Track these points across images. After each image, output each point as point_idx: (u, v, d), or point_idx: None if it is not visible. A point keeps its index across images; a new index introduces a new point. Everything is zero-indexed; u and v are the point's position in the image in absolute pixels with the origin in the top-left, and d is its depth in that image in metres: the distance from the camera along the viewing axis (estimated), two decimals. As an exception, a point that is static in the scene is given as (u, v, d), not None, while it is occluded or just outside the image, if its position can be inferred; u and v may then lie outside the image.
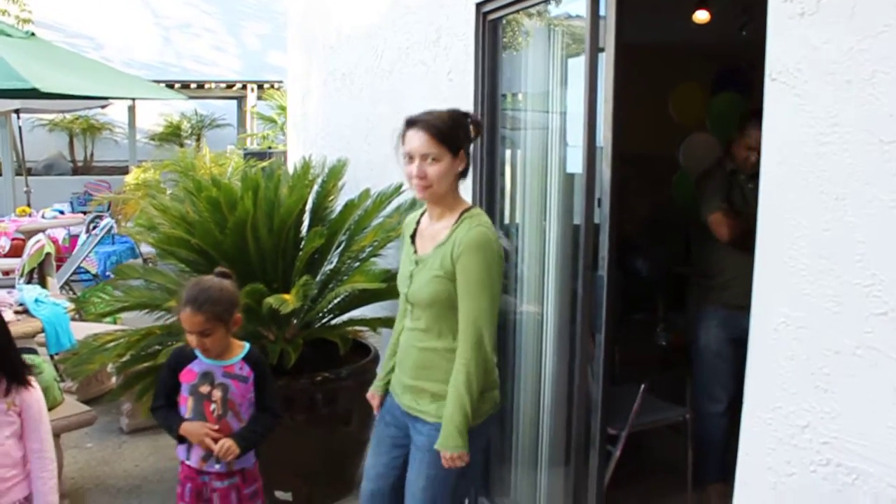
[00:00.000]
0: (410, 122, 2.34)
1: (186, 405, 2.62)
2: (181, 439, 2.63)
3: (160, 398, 2.70)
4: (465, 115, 2.41)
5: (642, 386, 3.52)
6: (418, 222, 2.54)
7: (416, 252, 2.47)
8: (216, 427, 2.58)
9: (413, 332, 2.46)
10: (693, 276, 3.94)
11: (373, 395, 2.71)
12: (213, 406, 2.59)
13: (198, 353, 2.63)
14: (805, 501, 1.89)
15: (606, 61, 2.55)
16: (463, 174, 2.40)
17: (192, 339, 2.57)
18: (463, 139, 2.35)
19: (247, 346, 2.71)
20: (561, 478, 3.19)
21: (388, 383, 2.65)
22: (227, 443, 2.56)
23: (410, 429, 2.49)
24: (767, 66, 1.89)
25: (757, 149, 3.52)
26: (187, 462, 2.67)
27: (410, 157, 2.33)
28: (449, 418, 2.30)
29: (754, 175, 3.55)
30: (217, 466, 2.61)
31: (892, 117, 1.61)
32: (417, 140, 2.31)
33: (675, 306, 4.69)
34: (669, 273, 5.55)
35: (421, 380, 2.42)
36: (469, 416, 2.29)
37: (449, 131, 2.31)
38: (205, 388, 2.60)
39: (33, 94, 4.76)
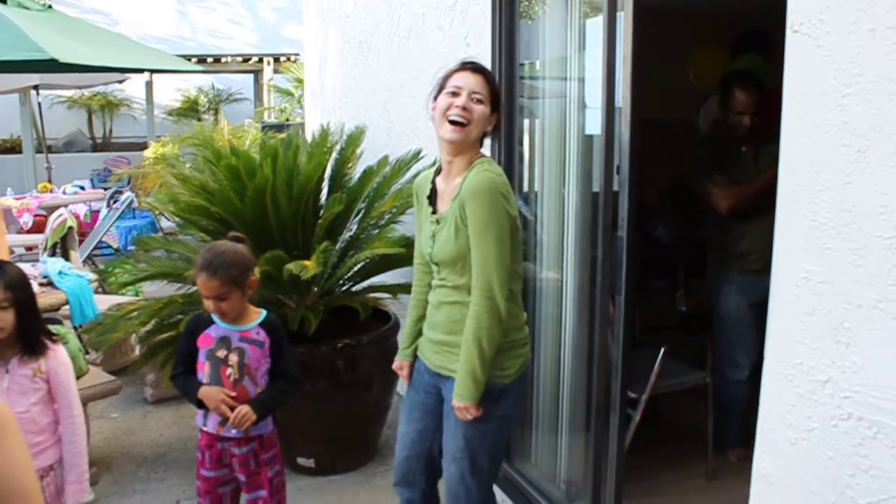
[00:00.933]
0: (468, 64, 2.39)
1: (204, 370, 2.64)
2: (199, 404, 2.65)
3: (179, 365, 2.72)
4: None
5: (662, 349, 3.52)
6: (433, 182, 2.51)
7: (434, 212, 2.47)
8: (233, 393, 2.60)
9: (441, 288, 2.45)
10: (711, 244, 3.91)
11: (400, 364, 2.70)
12: (229, 370, 2.61)
13: (215, 318, 2.65)
14: (825, 456, 1.89)
15: (625, 20, 2.52)
16: (490, 134, 2.46)
17: (209, 304, 2.59)
18: (499, 102, 2.42)
19: (264, 312, 2.72)
20: (581, 442, 3.21)
21: (413, 350, 2.64)
22: (243, 409, 2.58)
23: (442, 389, 2.49)
24: (789, 18, 1.87)
25: (747, 111, 3.50)
26: (205, 428, 2.69)
27: (455, 93, 2.33)
28: (459, 369, 2.32)
29: (748, 138, 3.52)
30: (234, 432, 2.63)
31: (916, 66, 1.58)
32: (473, 79, 2.34)
33: (695, 272, 4.67)
34: (690, 239, 5.53)
35: (452, 334, 2.40)
36: (481, 369, 2.28)
37: (495, 87, 2.40)
38: (221, 353, 2.62)
39: (52, 65, 4.77)
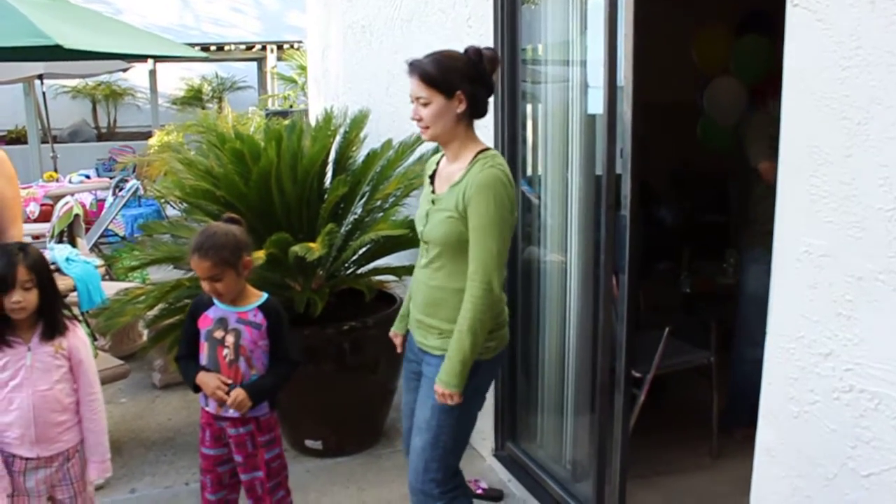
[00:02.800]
0: (408, 65, 2.41)
1: (203, 351, 2.67)
2: (196, 389, 2.67)
3: (183, 346, 2.75)
4: (471, 52, 2.40)
5: (666, 329, 3.53)
6: (438, 163, 2.58)
7: (433, 192, 2.52)
8: (229, 380, 2.62)
9: (425, 269, 2.51)
10: (743, 221, 3.86)
11: (395, 333, 2.80)
12: (225, 351, 2.62)
13: (215, 299, 2.67)
14: (827, 428, 1.90)
15: (627, -1, 2.53)
16: (471, 114, 2.41)
17: (205, 286, 2.61)
18: (458, 79, 2.35)
19: (265, 295, 2.73)
20: (586, 422, 3.23)
21: (405, 322, 2.72)
22: (239, 395, 2.59)
23: (422, 362, 2.56)
24: (789, -9, 1.87)
25: None
26: (206, 408, 2.72)
27: (411, 100, 2.41)
28: (450, 357, 2.36)
29: None
30: (231, 412, 2.65)
31: (916, 37, 1.59)
32: (412, 84, 2.38)
33: (699, 254, 4.68)
34: (695, 221, 5.53)
35: (430, 317, 2.48)
36: (470, 358, 2.34)
37: (438, 74, 2.34)
38: (219, 334, 2.64)
39: (56, 52, 4.78)
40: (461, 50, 2.43)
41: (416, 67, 2.37)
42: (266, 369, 2.69)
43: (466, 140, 2.44)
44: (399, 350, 2.78)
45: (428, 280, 2.49)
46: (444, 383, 2.36)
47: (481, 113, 2.45)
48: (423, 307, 2.51)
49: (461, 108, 2.37)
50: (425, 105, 2.36)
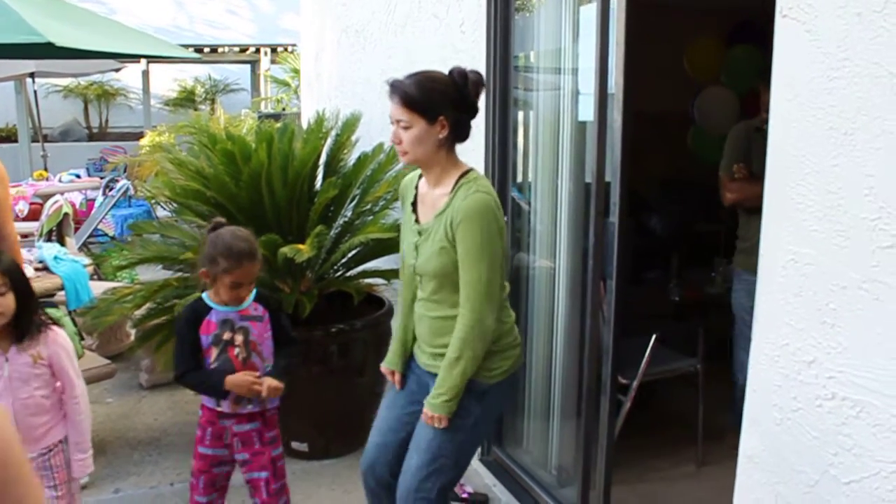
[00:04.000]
0: (389, 86, 2.30)
1: (211, 356, 2.65)
2: (225, 394, 2.63)
3: (186, 361, 2.67)
4: (456, 75, 2.31)
5: (654, 336, 3.55)
6: (416, 187, 2.47)
7: (417, 221, 2.43)
8: (258, 373, 2.64)
9: (425, 301, 2.43)
10: (732, 237, 3.83)
11: (390, 370, 2.65)
12: (237, 350, 2.64)
13: (211, 303, 2.66)
14: (810, 436, 1.91)
15: (618, 6, 2.54)
16: (454, 139, 2.33)
17: (233, 294, 2.60)
18: (441, 104, 2.26)
19: (254, 289, 2.75)
20: (572, 428, 3.23)
21: (400, 360, 2.61)
22: (272, 383, 2.63)
23: (430, 384, 2.45)
24: (778, 2, 1.89)
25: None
26: (218, 408, 2.69)
27: (391, 121, 2.32)
28: (438, 384, 2.32)
29: None
30: (250, 406, 2.67)
31: (901, 49, 1.61)
32: (393, 107, 2.29)
33: (689, 263, 4.70)
34: (685, 230, 5.56)
35: (438, 347, 2.40)
36: (460, 386, 2.29)
37: (421, 97, 2.25)
38: (227, 335, 2.65)
39: (48, 50, 4.76)
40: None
41: (397, 89, 2.27)
42: (276, 354, 2.74)
43: (448, 165, 2.34)
44: (398, 387, 2.63)
45: (430, 312, 2.42)
46: (431, 406, 2.31)
47: (464, 138, 2.37)
48: (431, 338, 2.43)
49: (443, 133, 2.28)
50: (406, 129, 2.27)
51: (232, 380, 2.61)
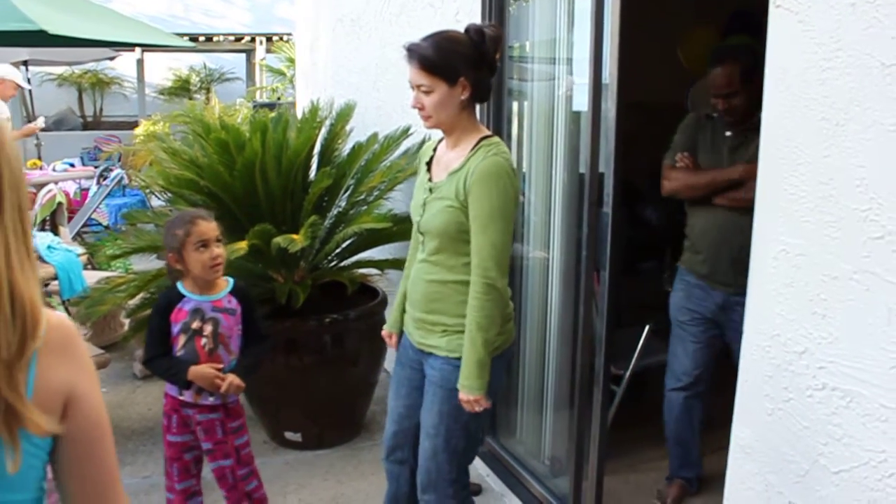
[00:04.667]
0: (406, 50, 2.27)
1: (178, 343, 2.65)
2: (188, 384, 2.64)
3: (155, 346, 2.68)
4: (472, 32, 2.26)
5: (647, 326, 3.55)
6: (435, 150, 2.46)
7: (430, 179, 2.39)
8: (221, 365, 2.63)
9: (423, 263, 2.39)
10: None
11: (388, 333, 2.67)
12: (203, 340, 2.62)
13: (185, 291, 2.66)
14: (801, 426, 1.93)
15: (613, -3, 2.54)
16: (474, 100, 2.30)
17: (206, 258, 2.58)
18: (461, 64, 2.22)
19: (232, 281, 2.74)
20: (565, 418, 3.24)
21: (400, 321, 2.60)
22: (234, 380, 2.62)
23: (424, 365, 2.45)
24: (772, -8, 1.89)
25: (720, 93, 3.03)
26: (180, 396, 2.69)
27: (411, 87, 2.29)
28: (466, 360, 2.25)
29: (736, 124, 3.03)
30: (211, 399, 2.66)
31: (894, 39, 1.61)
32: (411, 71, 2.26)
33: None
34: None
35: (431, 313, 2.36)
36: (486, 356, 2.24)
37: (440, 59, 2.21)
38: (196, 324, 2.63)
39: (41, 37, 4.75)
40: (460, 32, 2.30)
41: (415, 53, 2.23)
42: (241, 350, 2.71)
43: (469, 126, 2.32)
44: (394, 348, 2.66)
45: (426, 275, 2.38)
46: (466, 388, 2.24)
47: (485, 97, 2.37)
48: (423, 304, 2.39)
49: (465, 94, 2.24)
50: (427, 93, 2.23)
51: (195, 371, 2.61)
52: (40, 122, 7.26)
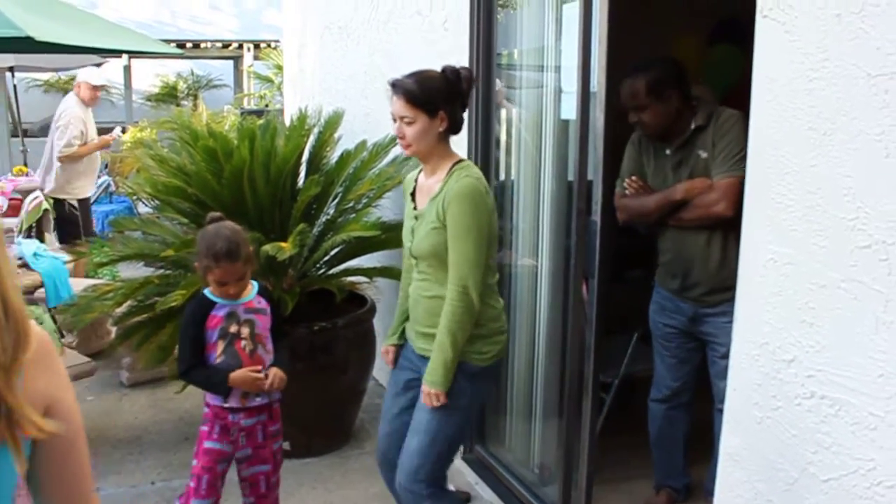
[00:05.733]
0: (391, 85, 2.47)
1: (216, 350, 2.65)
2: (229, 390, 2.65)
3: (189, 356, 2.68)
4: (449, 72, 2.47)
5: (635, 334, 3.56)
6: (416, 180, 2.65)
7: (415, 208, 2.60)
8: (259, 367, 2.67)
9: (420, 282, 2.57)
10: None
11: (386, 349, 2.80)
12: (244, 342, 2.65)
13: (214, 298, 2.66)
14: (790, 434, 1.93)
15: (601, 5, 2.54)
16: (450, 131, 2.50)
17: (220, 292, 2.62)
18: (440, 99, 2.43)
19: (255, 282, 2.78)
20: (555, 426, 3.24)
21: (400, 336, 2.75)
22: (277, 374, 2.68)
23: (422, 368, 2.57)
24: (758, 2, 1.90)
25: (626, 107, 2.89)
26: (224, 405, 2.68)
27: (394, 119, 2.49)
28: (433, 359, 2.45)
29: (670, 140, 2.91)
30: (258, 399, 2.69)
31: (879, 50, 1.62)
32: (395, 103, 2.45)
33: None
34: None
35: (431, 326, 2.51)
36: (452, 359, 2.42)
37: (422, 94, 2.42)
38: (233, 328, 2.65)
39: (27, 44, 4.71)
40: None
41: (399, 88, 2.44)
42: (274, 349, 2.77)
43: (444, 154, 2.52)
44: (390, 366, 2.80)
45: (423, 292, 2.56)
46: (429, 383, 2.44)
47: (458, 130, 2.54)
48: (424, 318, 2.56)
49: (443, 126, 2.46)
50: (409, 124, 2.44)
51: (236, 376, 2.62)
52: (116, 133, 7.14)
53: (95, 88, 6.51)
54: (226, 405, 2.69)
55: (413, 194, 2.64)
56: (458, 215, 2.38)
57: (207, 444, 2.72)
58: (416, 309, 2.61)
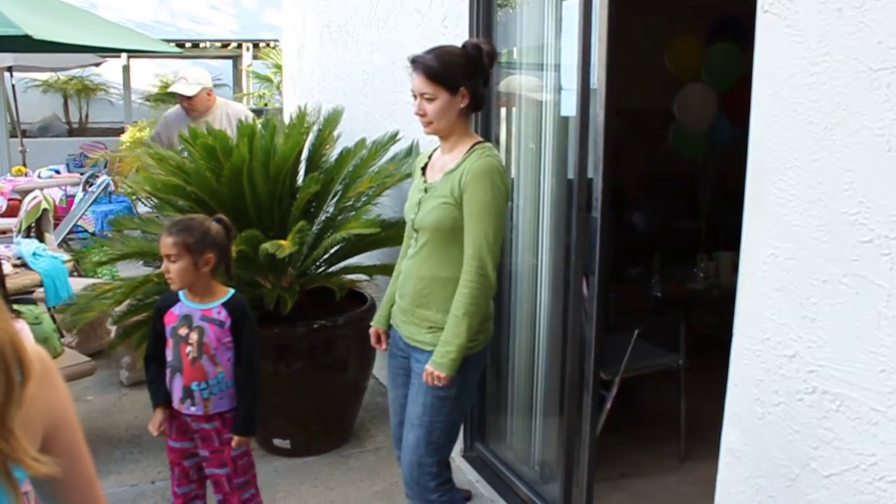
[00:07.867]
0: (410, 62, 2.43)
1: (168, 348, 2.65)
2: (158, 405, 2.72)
3: (150, 345, 2.75)
4: (470, 47, 2.45)
5: (635, 331, 3.55)
6: (429, 157, 2.62)
7: (425, 181, 2.55)
8: (163, 426, 2.70)
9: (414, 259, 2.53)
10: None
11: (375, 330, 2.79)
12: (188, 348, 2.61)
13: (181, 296, 2.65)
14: (791, 430, 1.93)
15: (600, 3, 2.54)
16: (472, 108, 2.47)
17: (163, 266, 2.62)
18: (462, 75, 2.40)
19: (231, 292, 2.70)
20: (555, 423, 3.24)
21: (387, 316, 2.73)
22: (240, 441, 2.68)
23: (410, 359, 2.58)
24: (759, -2, 1.90)
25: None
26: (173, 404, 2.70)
27: (414, 96, 2.45)
28: (445, 341, 2.38)
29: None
30: (193, 409, 2.64)
31: (881, 44, 1.61)
32: (415, 79, 2.41)
33: (671, 259, 4.71)
34: (666, 227, 5.58)
35: (421, 307, 2.49)
36: (465, 343, 2.37)
37: (443, 70, 2.38)
38: (183, 331, 2.62)
39: (26, 43, 4.70)
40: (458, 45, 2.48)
41: (419, 64, 2.40)
42: (235, 383, 2.66)
43: (464, 133, 2.49)
44: (380, 346, 2.79)
45: (416, 270, 2.51)
46: (436, 364, 2.37)
47: (481, 106, 2.53)
48: (413, 298, 2.52)
49: (464, 103, 2.42)
50: (430, 100, 2.40)
51: (156, 411, 2.72)
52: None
53: None
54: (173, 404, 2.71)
55: (423, 170, 2.60)
56: (478, 194, 2.35)
57: (170, 443, 2.77)
58: (406, 285, 2.56)
